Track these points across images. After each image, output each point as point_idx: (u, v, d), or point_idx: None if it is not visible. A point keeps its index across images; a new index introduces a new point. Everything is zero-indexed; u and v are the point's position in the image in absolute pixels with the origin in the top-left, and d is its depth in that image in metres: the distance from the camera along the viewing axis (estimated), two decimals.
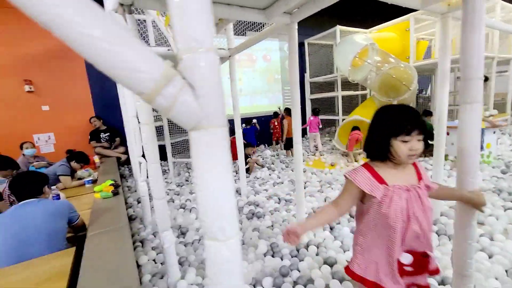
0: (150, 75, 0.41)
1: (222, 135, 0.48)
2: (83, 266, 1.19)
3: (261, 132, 6.30)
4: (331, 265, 1.72)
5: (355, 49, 4.42)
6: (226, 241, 0.50)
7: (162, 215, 1.59)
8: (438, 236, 1.95)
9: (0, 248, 1.26)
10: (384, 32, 6.00)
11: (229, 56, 2.95)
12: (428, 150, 4.35)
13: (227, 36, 2.90)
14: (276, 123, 5.94)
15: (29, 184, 1.46)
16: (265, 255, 1.93)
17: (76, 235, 1.66)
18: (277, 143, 6.18)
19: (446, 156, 4.11)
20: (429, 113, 4.71)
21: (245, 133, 5.68)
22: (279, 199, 2.98)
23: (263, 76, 6.97)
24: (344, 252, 1.88)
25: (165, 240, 1.59)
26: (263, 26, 3.02)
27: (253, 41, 2.48)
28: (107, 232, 1.55)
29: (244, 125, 5.88)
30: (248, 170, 3.84)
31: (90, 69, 4.70)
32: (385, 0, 1.52)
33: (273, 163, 4.69)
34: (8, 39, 4.13)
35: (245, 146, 5.15)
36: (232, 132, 4.67)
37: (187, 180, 4.13)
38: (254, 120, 5.97)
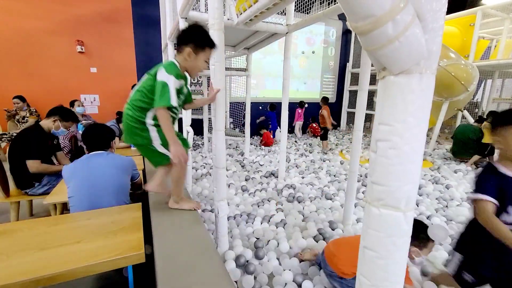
0: None
1: (432, 85, 0.40)
2: (153, 218, 1.20)
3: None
4: None
5: None
6: (406, 212, 0.43)
7: (221, 184, 1.57)
8: None
9: (75, 194, 1.30)
10: (445, 25, 5.48)
11: (286, 33, 2.80)
12: (479, 159, 4.03)
13: (287, 10, 2.73)
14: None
15: (102, 136, 1.49)
16: (315, 239, 1.88)
17: (134, 192, 1.70)
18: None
19: None
20: (482, 120, 4.29)
21: (269, 116, 5.62)
22: (318, 187, 2.90)
23: (303, 61, 6.73)
24: None
25: (220, 209, 1.58)
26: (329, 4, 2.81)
27: (309, 20, 2.33)
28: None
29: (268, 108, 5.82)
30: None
31: (138, 36, 4.74)
32: None
33: (310, 152, 4.60)
34: None
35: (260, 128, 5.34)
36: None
37: None
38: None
